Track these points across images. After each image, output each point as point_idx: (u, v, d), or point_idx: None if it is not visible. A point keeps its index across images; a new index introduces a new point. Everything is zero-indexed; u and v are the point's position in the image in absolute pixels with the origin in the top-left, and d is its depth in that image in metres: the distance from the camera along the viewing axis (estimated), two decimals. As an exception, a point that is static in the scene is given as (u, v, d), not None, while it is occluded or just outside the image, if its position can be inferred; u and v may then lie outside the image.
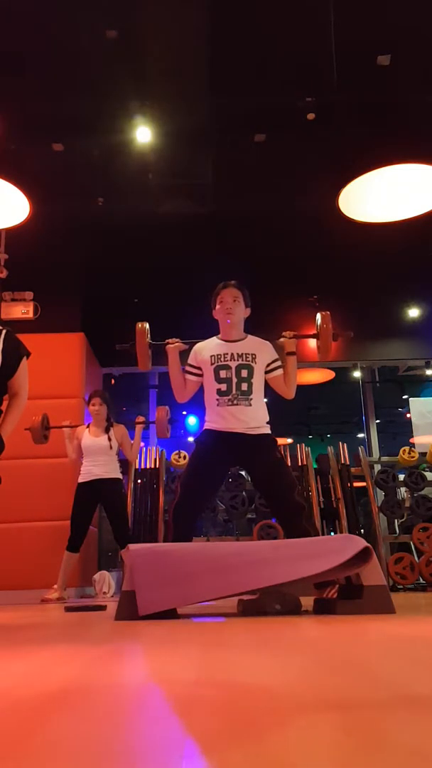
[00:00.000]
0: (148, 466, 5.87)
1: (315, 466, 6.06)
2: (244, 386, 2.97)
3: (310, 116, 4.77)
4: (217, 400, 2.97)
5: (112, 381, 7.51)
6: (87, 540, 5.36)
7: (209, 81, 4.46)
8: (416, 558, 5.47)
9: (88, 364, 6.20)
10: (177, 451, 5.89)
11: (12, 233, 5.46)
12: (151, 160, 5.18)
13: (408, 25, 4.15)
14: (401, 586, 5.30)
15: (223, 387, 2.97)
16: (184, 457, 5.73)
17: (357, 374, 8.01)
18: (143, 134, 4.95)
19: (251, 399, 2.96)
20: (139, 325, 3.23)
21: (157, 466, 5.83)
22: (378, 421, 8.52)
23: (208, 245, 6.26)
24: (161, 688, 0.96)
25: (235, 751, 0.60)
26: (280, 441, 6.76)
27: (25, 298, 6.10)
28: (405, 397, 9.60)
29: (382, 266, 6.63)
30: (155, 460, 5.89)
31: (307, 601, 2.64)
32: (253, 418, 2.96)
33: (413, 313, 7.21)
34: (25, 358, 2.67)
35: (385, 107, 4.75)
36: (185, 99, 4.66)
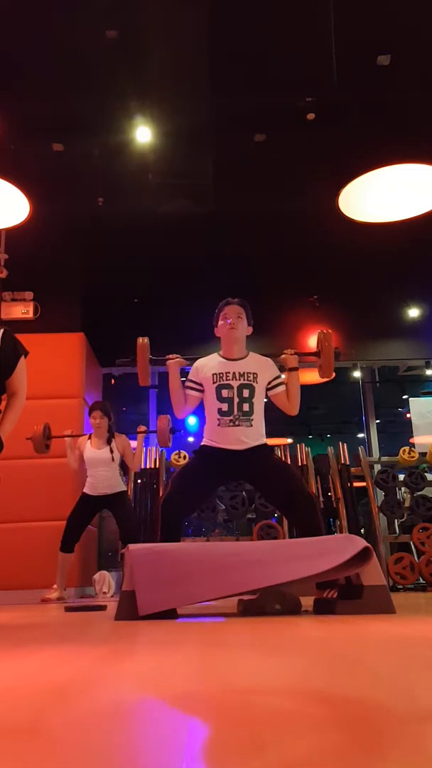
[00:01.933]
0: (148, 466, 5.87)
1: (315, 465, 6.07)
2: (246, 407, 2.96)
3: (310, 116, 4.77)
4: (219, 420, 2.96)
5: (112, 381, 7.50)
6: (87, 540, 5.37)
7: (209, 81, 4.46)
8: (416, 558, 5.47)
9: (88, 364, 6.20)
10: (177, 451, 5.89)
11: (12, 233, 5.46)
12: (151, 160, 5.18)
13: (408, 25, 4.15)
14: (401, 586, 5.29)
15: (225, 407, 2.96)
16: (184, 457, 5.73)
17: (357, 374, 8.01)
18: (143, 134, 4.95)
19: (252, 419, 2.96)
20: (140, 341, 3.19)
21: (157, 466, 5.83)
22: (378, 421, 8.52)
23: (208, 245, 6.26)
24: (161, 689, 0.96)
25: (235, 752, 0.60)
26: (280, 441, 6.78)
27: (25, 298, 6.09)
28: (405, 397, 9.60)
29: (382, 266, 6.63)
30: (155, 460, 5.89)
31: (307, 601, 2.64)
32: (252, 437, 2.96)
33: (413, 313, 7.21)
34: (23, 357, 2.67)
35: (385, 107, 4.75)
36: (185, 99, 4.66)
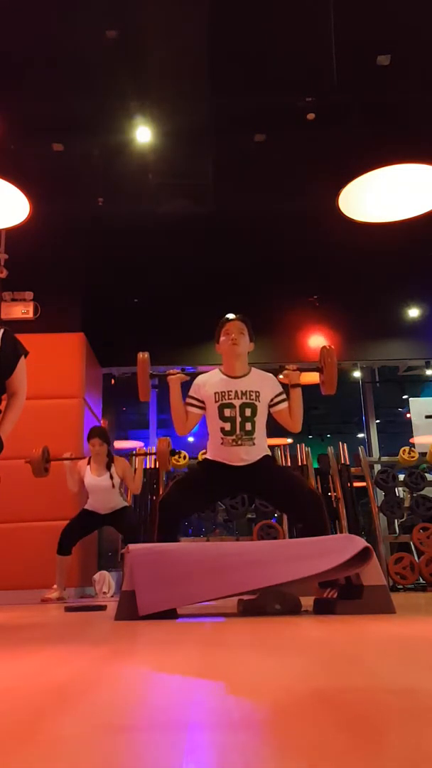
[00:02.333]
0: (148, 466, 5.86)
1: (315, 466, 6.06)
2: (248, 426, 2.94)
3: (310, 116, 4.77)
4: (222, 438, 2.95)
5: (112, 381, 7.51)
6: (87, 540, 5.36)
7: (209, 81, 4.46)
8: (416, 558, 5.47)
9: (88, 364, 6.20)
10: (178, 452, 5.88)
11: (12, 233, 5.46)
12: (151, 160, 5.18)
13: (408, 25, 4.15)
14: (401, 586, 5.29)
15: (227, 426, 2.94)
16: (184, 458, 5.73)
17: (357, 374, 8.01)
18: (143, 134, 4.95)
19: (254, 438, 2.95)
20: (141, 355, 3.14)
21: (158, 466, 5.82)
22: (378, 421, 8.52)
23: (208, 245, 6.26)
24: (161, 689, 0.96)
25: (235, 752, 0.60)
26: (280, 441, 6.77)
27: (25, 298, 6.10)
28: (405, 397, 9.60)
29: (382, 266, 6.63)
30: (155, 460, 5.88)
31: (307, 601, 2.64)
32: (255, 454, 2.96)
33: (413, 313, 7.21)
34: (23, 357, 2.66)
35: (385, 107, 4.75)
36: (185, 99, 4.65)
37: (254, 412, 2.96)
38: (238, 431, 2.93)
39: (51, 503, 5.37)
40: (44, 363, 5.24)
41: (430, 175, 3.99)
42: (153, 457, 5.93)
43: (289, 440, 7.37)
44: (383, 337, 7.22)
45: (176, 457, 5.80)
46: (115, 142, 5.02)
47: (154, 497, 5.69)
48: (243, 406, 2.96)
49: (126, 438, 11.03)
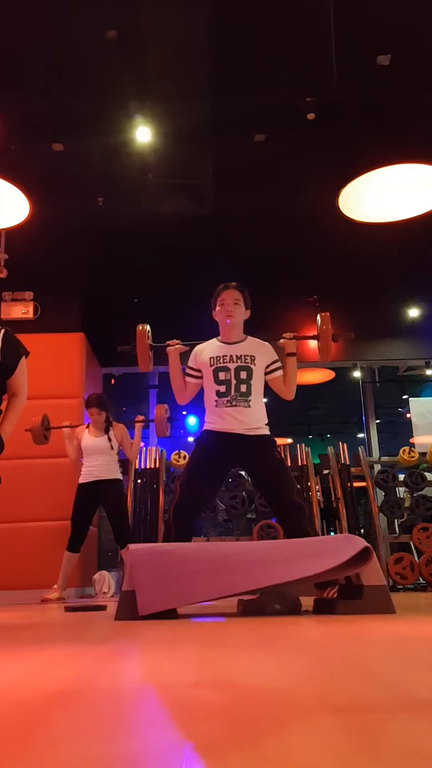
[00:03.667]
0: (148, 466, 5.87)
1: (317, 461, 6.07)
2: (243, 388, 2.97)
3: (310, 116, 4.77)
4: (216, 401, 2.98)
5: (112, 381, 7.51)
6: (87, 540, 5.36)
7: (209, 81, 4.46)
8: (416, 558, 5.47)
9: (88, 364, 6.20)
10: (177, 451, 5.89)
11: (12, 233, 5.46)
12: (151, 160, 5.18)
13: (408, 25, 4.15)
14: (401, 586, 5.29)
15: (222, 388, 2.98)
16: (184, 457, 5.73)
17: (357, 374, 8.01)
18: (143, 134, 4.95)
19: (250, 400, 2.97)
20: (140, 327, 3.23)
21: (157, 466, 5.82)
22: (378, 421, 8.53)
23: (208, 245, 6.25)
24: (161, 689, 0.96)
25: (235, 752, 0.60)
26: (280, 441, 6.77)
27: (25, 298, 6.10)
28: (405, 397, 9.60)
29: (382, 266, 6.63)
30: (155, 460, 5.89)
31: (307, 601, 2.64)
32: (251, 418, 2.96)
33: (413, 313, 7.21)
34: (24, 357, 2.67)
35: (385, 107, 4.75)
36: (185, 99, 4.65)
37: (249, 375, 2.99)
38: (232, 392, 2.96)
39: (51, 503, 5.37)
40: (44, 363, 5.24)
41: (430, 175, 4.00)
42: (153, 456, 5.93)
43: (289, 440, 7.38)
44: (383, 337, 7.22)
45: (176, 456, 5.80)
46: (115, 142, 5.02)
47: (154, 497, 5.69)
48: (238, 369, 3.00)
49: (126, 438, 11.02)
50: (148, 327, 3.24)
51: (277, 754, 0.59)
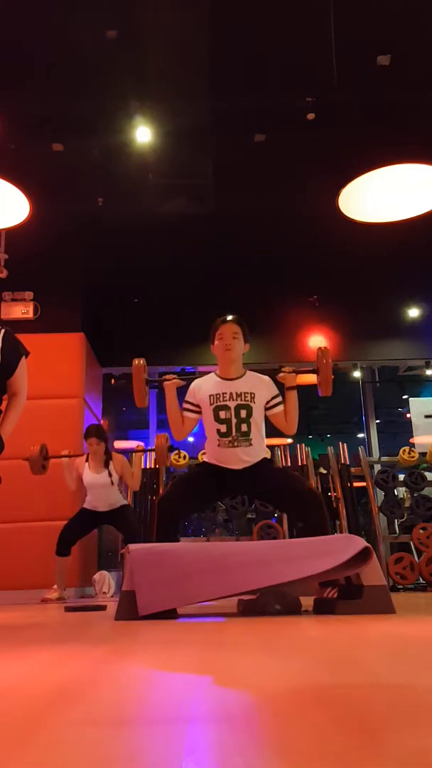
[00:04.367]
0: (148, 466, 5.87)
1: (316, 458, 6.07)
2: (244, 427, 2.93)
3: (310, 116, 4.77)
4: (218, 440, 2.94)
5: (112, 381, 7.51)
6: (87, 540, 5.36)
7: (209, 81, 4.46)
8: (416, 558, 5.47)
9: (88, 364, 6.19)
10: (177, 451, 5.89)
11: (12, 233, 5.46)
12: (151, 160, 5.18)
13: (408, 25, 4.15)
14: (401, 586, 5.29)
15: (223, 428, 2.93)
16: (184, 457, 5.73)
17: (357, 374, 8.01)
18: (143, 134, 4.95)
19: (251, 439, 2.94)
20: (136, 362, 3.14)
21: (157, 466, 5.82)
22: (378, 421, 8.52)
23: (208, 245, 6.26)
24: (161, 689, 0.96)
25: (235, 752, 0.60)
26: (280, 441, 6.76)
27: (25, 298, 6.09)
28: (405, 397, 9.60)
29: (382, 266, 6.63)
30: (155, 460, 5.89)
31: (307, 601, 2.64)
32: (252, 456, 2.95)
33: (413, 313, 7.21)
34: (24, 357, 2.66)
35: (385, 107, 4.75)
36: (185, 99, 4.65)
37: (249, 414, 2.95)
38: (234, 433, 2.92)
39: (50, 503, 5.37)
40: (44, 363, 5.24)
41: (430, 175, 3.99)
42: (153, 455, 5.93)
43: (289, 440, 7.37)
44: (383, 337, 7.22)
45: (176, 456, 5.80)
46: (115, 142, 5.02)
47: (154, 497, 5.69)
48: (238, 408, 2.95)
49: (126, 438, 11.02)
50: (143, 361, 3.16)
51: (277, 753, 0.59)
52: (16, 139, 4.86)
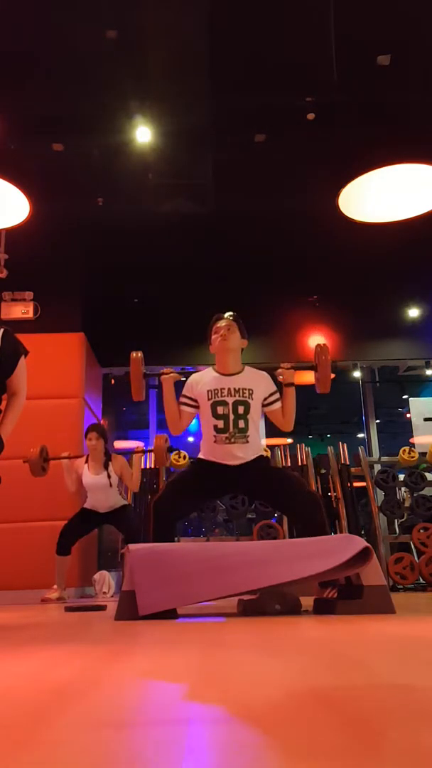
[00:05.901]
0: (148, 466, 5.86)
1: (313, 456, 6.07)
2: (241, 423, 2.93)
3: (310, 116, 4.77)
4: (215, 436, 2.93)
5: (112, 381, 7.50)
6: (87, 540, 5.36)
7: (209, 81, 4.46)
8: (416, 558, 5.47)
9: (88, 364, 6.19)
10: (177, 451, 5.88)
11: (12, 233, 5.46)
12: (151, 160, 5.18)
13: (408, 25, 4.15)
14: (401, 586, 5.29)
15: (220, 424, 2.93)
16: (184, 457, 5.73)
17: (357, 374, 8.01)
18: (143, 134, 4.95)
19: (248, 435, 2.93)
20: (134, 355, 3.13)
21: (157, 466, 5.82)
22: (378, 421, 8.52)
23: (208, 245, 6.25)
24: (161, 689, 0.96)
25: (235, 752, 0.60)
26: (280, 441, 6.77)
27: (25, 298, 6.09)
28: (405, 397, 9.60)
29: (382, 266, 6.63)
30: (155, 460, 5.88)
31: (307, 601, 2.64)
32: (248, 452, 2.94)
33: (413, 313, 7.21)
34: (23, 356, 2.66)
35: (385, 107, 4.75)
36: (185, 99, 4.65)
37: (247, 410, 2.95)
38: (231, 429, 2.92)
39: (50, 503, 5.37)
40: (44, 363, 5.24)
41: (430, 175, 3.99)
42: (152, 455, 5.93)
43: (289, 440, 7.37)
44: (383, 337, 7.21)
45: (176, 456, 5.80)
46: (115, 142, 5.01)
47: (153, 496, 5.68)
48: (236, 404, 2.94)
49: (126, 438, 11.02)
50: (141, 354, 3.14)
51: (276, 753, 0.59)
52: (16, 139, 4.86)
